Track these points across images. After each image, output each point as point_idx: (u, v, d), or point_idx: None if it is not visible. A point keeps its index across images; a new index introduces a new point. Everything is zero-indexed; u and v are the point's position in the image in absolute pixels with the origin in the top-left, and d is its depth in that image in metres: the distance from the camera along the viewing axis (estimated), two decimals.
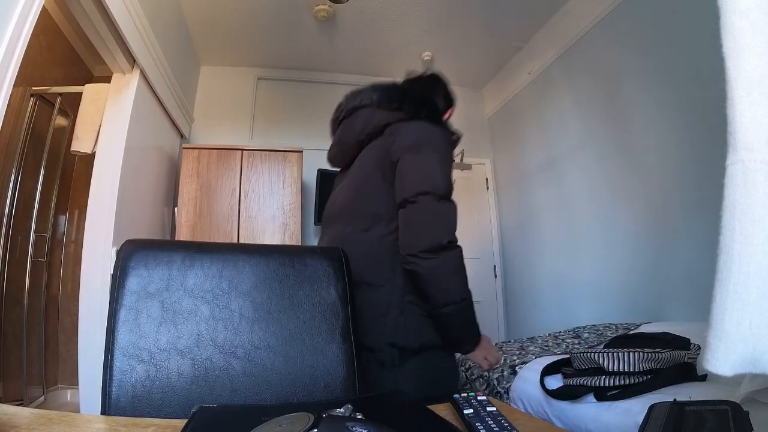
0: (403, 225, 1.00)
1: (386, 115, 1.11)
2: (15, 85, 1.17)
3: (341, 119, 1.23)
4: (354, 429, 0.32)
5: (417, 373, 0.97)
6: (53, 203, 2.70)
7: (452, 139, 1.16)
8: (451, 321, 0.98)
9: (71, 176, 3.00)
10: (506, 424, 0.45)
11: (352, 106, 1.19)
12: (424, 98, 1.15)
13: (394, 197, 1.03)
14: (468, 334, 1.02)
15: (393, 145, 1.06)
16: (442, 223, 0.99)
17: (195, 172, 2.63)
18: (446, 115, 1.24)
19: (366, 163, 1.13)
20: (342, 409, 0.42)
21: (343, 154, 1.23)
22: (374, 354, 0.96)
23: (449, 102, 1.24)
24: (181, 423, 0.43)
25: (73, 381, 2.67)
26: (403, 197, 1.00)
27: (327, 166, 3.35)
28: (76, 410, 2.16)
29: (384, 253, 1.02)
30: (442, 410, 0.53)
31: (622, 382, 0.99)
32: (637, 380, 0.99)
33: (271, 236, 2.64)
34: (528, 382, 1.29)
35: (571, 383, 1.11)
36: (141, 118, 2.19)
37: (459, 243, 0.99)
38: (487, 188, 3.80)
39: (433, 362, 1.00)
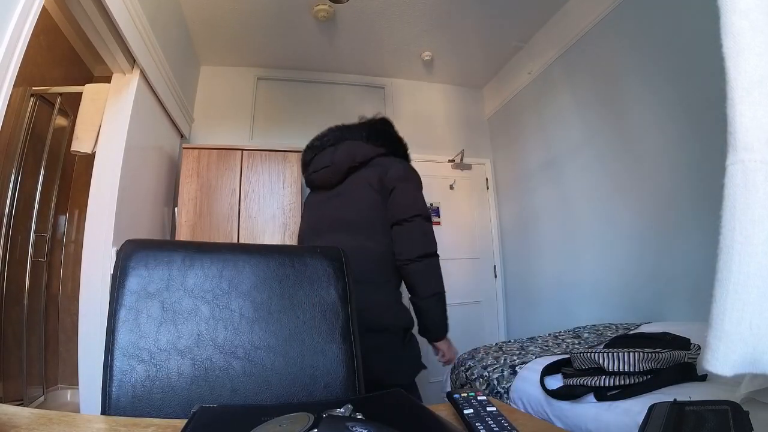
0: (400, 238, 1.30)
1: (372, 149, 1.41)
2: (15, 85, 1.17)
3: (325, 147, 1.48)
4: (354, 429, 0.32)
5: (414, 350, 1.29)
6: (53, 203, 2.70)
7: None
8: (431, 310, 1.30)
9: (71, 176, 3.00)
10: (506, 424, 0.45)
11: (338, 136, 1.47)
12: (399, 140, 1.51)
13: (386, 217, 1.33)
14: (441, 323, 1.32)
15: (386, 176, 1.35)
16: (429, 237, 1.31)
17: (195, 172, 2.63)
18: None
19: (361, 188, 1.38)
20: (342, 409, 0.42)
21: (333, 175, 1.45)
22: (392, 333, 1.24)
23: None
24: (181, 423, 0.43)
25: (73, 381, 2.67)
26: (400, 218, 1.30)
27: None
28: (76, 410, 2.16)
29: (387, 259, 1.30)
30: (442, 410, 0.53)
31: (622, 382, 0.99)
32: (637, 380, 0.99)
33: (271, 236, 2.64)
34: (528, 382, 1.29)
35: (571, 383, 1.11)
36: (141, 118, 2.19)
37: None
38: (487, 188, 3.80)
39: (415, 342, 1.32)
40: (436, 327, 1.32)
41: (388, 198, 1.33)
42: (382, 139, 1.44)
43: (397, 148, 1.47)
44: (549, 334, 2.03)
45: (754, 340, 0.38)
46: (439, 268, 1.30)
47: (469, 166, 3.76)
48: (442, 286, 1.30)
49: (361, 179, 1.38)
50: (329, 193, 1.46)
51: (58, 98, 2.55)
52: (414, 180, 1.37)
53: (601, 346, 1.23)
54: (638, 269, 2.22)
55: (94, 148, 2.07)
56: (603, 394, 1.01)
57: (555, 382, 1.19)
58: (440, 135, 3.78)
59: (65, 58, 2.77)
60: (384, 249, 1.30)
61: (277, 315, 0.69)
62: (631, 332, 1.65)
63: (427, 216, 1.32)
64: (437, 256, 1.30)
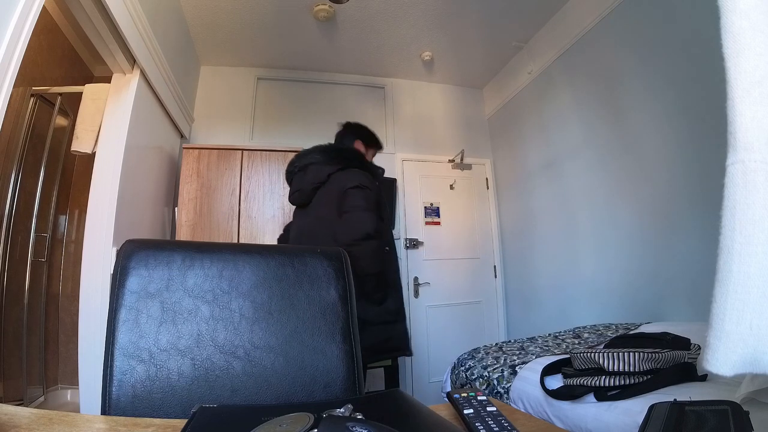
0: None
1: (328, 168, 1.69)
2: (15, 85, 1.17)
3: (296, 172, 1.79)
4: (354, 429, 0.32)
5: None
6: (53, 203, 2.70)
7: (378, 173, 1.79)
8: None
9: (71, 176, 3.00)
10: (506, 424, 0.45)
11: (303, 163, 1.76)
12: (351, 152, 1.77)
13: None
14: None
15: (342, 187, 1.61)
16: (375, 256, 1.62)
17: (195, 172, 2.63)
18: (369, 156, 1.87)
19: (324, 203, 1.67)
20: (342, 409, 0.42)
21: (302, 196, 1.76)
22: None
23: (369, 140, 1.88)
24: (181, 423, 0.43)
25: (73, 381, 2.68)
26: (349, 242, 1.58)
27: None
28: (76, 410, 2.15)
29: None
30: (442, 410, 0.53)
31: (623, 382, 0.99)
32: (637, 380, 0.99)
33: (271, 236, 2.64)
34: (528, 382, 1.29)
35: (571, 383, 1.11)
36: (141, 118, 2.19)
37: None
38: (487, 188, 3.80)
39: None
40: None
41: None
42: (335, 158, 1.72)
43: (350, 162, 1.72)
44: (549, 334, 2.03)
45: (754, 341, 0.38)
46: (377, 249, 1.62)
47: (469, 166, 3.76)
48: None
49: (325, 197, 1.67)
50: (302, 211, 1.81)
51: (58, 98, 2.55)
52: (360, 189, 1.62)
53: (601, 346, 1.23)
54: (638, 269, 2.22)
55: (94, 148, 2.07)
56: (603, 394, 1.01)
57: (555, 382, 1.19)
58: (440, 135, 3.78)
59: (65, 58, 2.77)
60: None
61: (277, 315, 0.69)
62: (631, 332, 1.65)
63: (369, 234, 1.57)
64: (374, 240, 1.59)
